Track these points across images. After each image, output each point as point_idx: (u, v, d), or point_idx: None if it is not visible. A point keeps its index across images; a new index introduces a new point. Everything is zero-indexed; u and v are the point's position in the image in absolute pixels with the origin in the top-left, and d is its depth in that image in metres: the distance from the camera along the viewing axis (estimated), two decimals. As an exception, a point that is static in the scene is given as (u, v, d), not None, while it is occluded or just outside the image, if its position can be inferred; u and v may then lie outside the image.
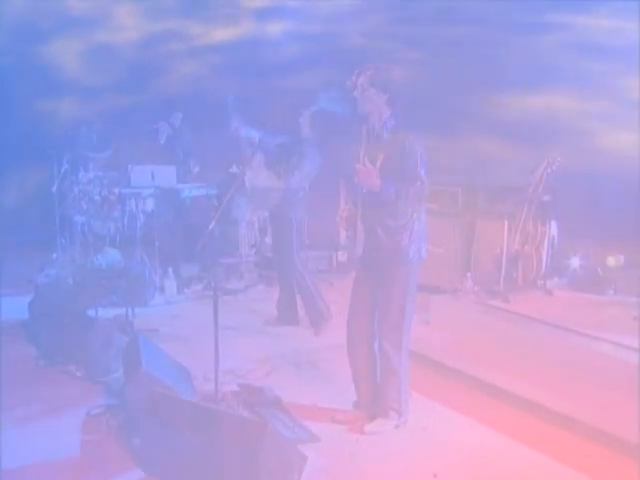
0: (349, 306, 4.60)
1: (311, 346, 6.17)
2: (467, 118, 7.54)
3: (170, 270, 7.81)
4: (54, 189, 7.94)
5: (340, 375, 5.34)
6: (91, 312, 6.43)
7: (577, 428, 4.42)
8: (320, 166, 6.39)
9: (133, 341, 4.85)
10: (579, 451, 4.22)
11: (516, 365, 5.03)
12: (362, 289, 4.50)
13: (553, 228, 6.30)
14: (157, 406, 3.86)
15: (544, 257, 6.08)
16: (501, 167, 7.36)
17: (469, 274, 5.93)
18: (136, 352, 4.54)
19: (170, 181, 7.90)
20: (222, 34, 10.62)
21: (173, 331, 6.58)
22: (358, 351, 4.56)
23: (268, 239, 8.00)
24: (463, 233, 7.28)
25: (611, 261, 6.26)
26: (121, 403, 4.62)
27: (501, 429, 4.53)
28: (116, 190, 7.67)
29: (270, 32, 10.22)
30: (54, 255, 8.15)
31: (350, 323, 4.57)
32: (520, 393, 4.86)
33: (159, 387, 4.10)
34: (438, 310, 5.84)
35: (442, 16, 8.32)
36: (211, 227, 4.17)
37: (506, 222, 6.02)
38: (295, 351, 6.03)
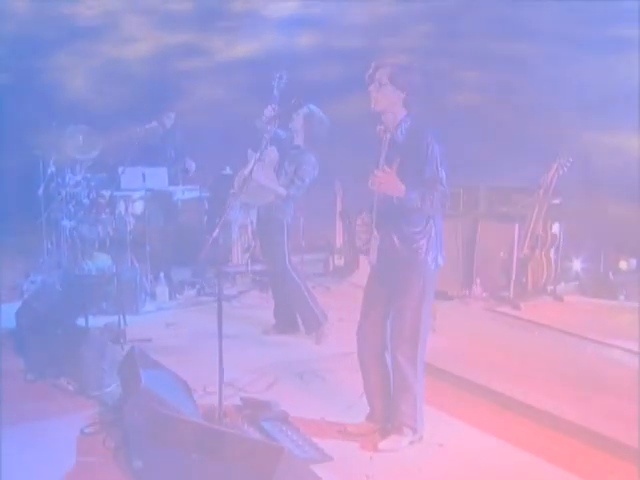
0: (360, 316, 4.34)
1: (313, 355, 5.90)
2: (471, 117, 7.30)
3: (162, 275, 7.53)
4: (40, 192, 7.63)
5: (347, 386, 5.13)
6: (81, 321, 6.20)
7: (597, 442, 4.20)
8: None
9: (130, 354, 4.56)
10: (600, 466, 3.99)
11: (530, 375, 4.86)
12: (375, 298, 4.25)
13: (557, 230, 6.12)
14: (160, 426, 3.59)
15: (554, 262, 5.89)
16: (506, 168, 7.12)
17: (478, 280, 5.70)
18: (133, 366, 4.26)
19: (162, 183, 7.61)
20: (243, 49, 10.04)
21: (167, 340, 6.30)
22: (369, 364, 4.30)
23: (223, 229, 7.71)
24: (466, 236, 7.05)
25: (623, 265, 6.07)
26: (118, 420, 4.34)
27: (520, 443, 4.28)
28: (105, 193, 7.37)
29: (298, 45, 9.63)
30: (40, 260, 7.84)
31: (361, 334, 4.32)
32: (536, 405, 4.62)
33: (161, 405, 3.82)
34: (445, 317, 5.61)
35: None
36: (215, 234, 3.89)
37: (517, 225, 5.79)
38: (297, 361, 5.75)
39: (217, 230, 3.89)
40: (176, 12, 10.39)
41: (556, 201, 5.89)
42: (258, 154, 5.50)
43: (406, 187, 3.85)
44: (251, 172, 4.57)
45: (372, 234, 4.15)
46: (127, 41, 10.27)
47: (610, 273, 5.96)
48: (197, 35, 10.20)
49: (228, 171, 8.11)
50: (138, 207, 7.68)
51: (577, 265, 6.14)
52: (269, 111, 5.80)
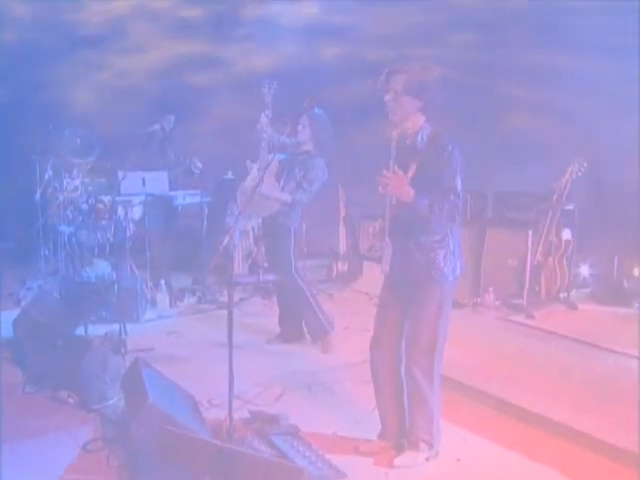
0: (374, 327, 4.17)
1: (320, 366, 5.73)
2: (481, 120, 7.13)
3: (162, 282, 7.35)
4: (37, 197, 7.45)
5: (357, 398, 4.98)
6: (80, 329, 6.03)
7: (617, 455, 4.05)
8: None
9: (133, 366, 4.39)
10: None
11: (547, 387, 4.71)
12: (389, 309, 4.08)
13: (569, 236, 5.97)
14: (169, 445, 3.42)
15: (567, 269, 5.74)
16: (512, 172, 6.97)
17: (491, 288, 5.54)
18: (139, 380, 4.09)
19: (162, 188, 7.43)
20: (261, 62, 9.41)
21: (170, 350, 6.12)
22: (383, 377, 4.13)
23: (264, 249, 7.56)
24: (474, 242, 6.90)
25: (637, 272, 5.91)
26: (122, 437, 4.17)
27: (538, 457, 4.14)
28: (105, 198, 7.20)
29: (323, 55, 9.19)
30: (37, 267, 7.66)
31: (374, 346, 4.15)
32: (554, 417, 4.47)
33: (169, 422, 3.65)
34: (458, 326, 5.39)
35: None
36: (225, 242, 3.72)
37: (529, 232, 5.62)
38: (304, 372, 5.58)
39: (227, 238, 3.72)
40: (187, 19, 9.92)
41: (569, 207, 5.73)
42: (257, 164, 5.37)
43: (417, 193, 3.68)
44: (256, 187, 4.39)
45: (385, 242, 3.98)
46: (135, 51, 9.78)
47: (624, 280, 5.81)
48: (211, 45, 9.68)
49: (230, 176, 7.94)
50: (137, 212, 7.50)
51: (589, 272, 5.98)
52: (263, 118, 5.72)
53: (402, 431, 4.15)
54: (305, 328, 6.14)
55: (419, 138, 3.84)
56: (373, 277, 8.11)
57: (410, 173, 3.73)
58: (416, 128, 3.85)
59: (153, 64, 9.81)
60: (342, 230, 8.33)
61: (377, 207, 8.27)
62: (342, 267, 8.35)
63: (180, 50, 9.81)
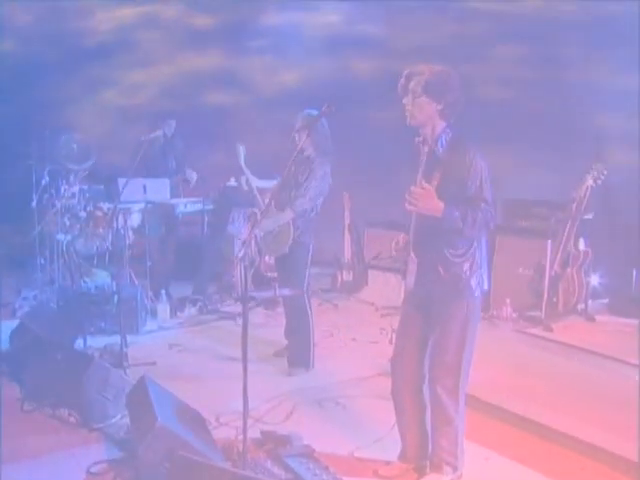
0: (395, 344, 3.96)
1: (329, 380, 5.52)
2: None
3: (163, 292, 7.13)
4: (34, 204, 7.22)
5: (371, 415, 4.79)
6: (79, 342, 5.82)
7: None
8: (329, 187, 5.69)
9: (140, 384, 4.17)
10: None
11: (571, 403, 4.52)
12: (411, 326, 3.87)
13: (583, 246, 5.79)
14: (181, 471, 3.20)
15: (585, 280, 5.56)
16: (523, 180, 6.77)
17: (508, 300, 5.34)
18: (145, 399, 3.88)
19: (163, 195, 7.22)
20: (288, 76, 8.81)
21: (172, 363, 5.89)
22: (405, 397, 3.92)
23: (268, 258, 7.35)
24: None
25: (656, 282, 5.74)
26: (128, 459, 3.95)
27: (564, 478, 3.97)
28: (104, 205, 6.98)
29: (356, 70, 8.65)
30: (34, 276, 7.42)
31: (396, 364, 3.93)
32: (580, 436, 4.27)
33: (180, 445, 3.44)
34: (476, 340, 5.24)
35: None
36: (241, 254, 3.51)
37: (550, 241, 5.43)
38: (313, 387, 5.37)
39: (242, 251, 3.50)
40: (199, 28, 9.28)
41: (588, 216, 5.55)
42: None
43: (446, 205, 3.48)
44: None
45: (409, 256, 3.78)
46: (144, 65, 9.16)
47: (644, 291, 5.65)
48: (227, 57, 8.97)
49: (233, 182, 7.72)
50: (135, 220, 7.29)
51: (600, 282, 5.79)
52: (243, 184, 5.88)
53: (424, 452, 3.95)
54: (291, 352, 5.82)
55: (439, 145, 3.65)
56: (378, 287, 8.05)
57: (434, 183, 3.53)
58: (436, 134, 3.66)
59: (164, 79, 9.27)
60: (347, 238, 8.13)
61: (383, 215, 8.20)
62: (347, 276, 8.15)
63: (194, 64, 9.24)
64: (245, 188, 5.89)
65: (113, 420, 4.60)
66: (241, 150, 5.81)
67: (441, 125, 3.64)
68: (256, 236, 7.63)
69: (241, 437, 4.28)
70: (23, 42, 9.39)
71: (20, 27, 9.49)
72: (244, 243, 3.58)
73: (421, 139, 3.74)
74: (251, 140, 6.07)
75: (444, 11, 7.94)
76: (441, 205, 3.46)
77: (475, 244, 3.66)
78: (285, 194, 5.52)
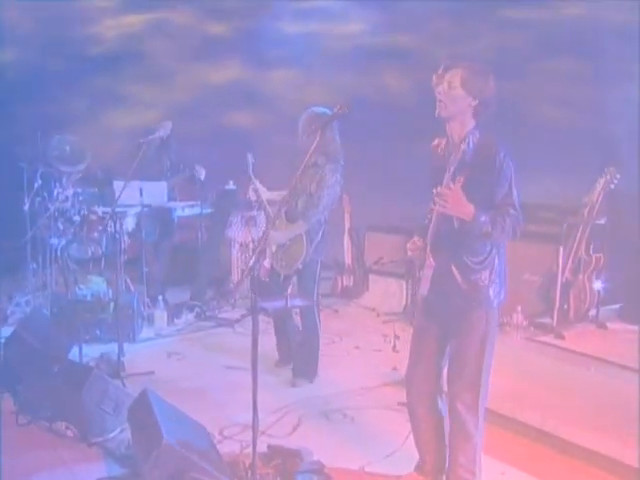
0: (410, 357, 3.78)
1: (335, 390, 5.36)
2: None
3: (160, 298, 6.95)
4: (26, 207, 7.01)
5: (380, 427, 4.66)
6: (74, 351, 5.61)
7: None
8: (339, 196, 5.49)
9: (142, 398, 3.98)
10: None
11: (589, 416, 4.35)
12: (427, 337, 3.69)
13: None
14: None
15: (596, 287, 5.42)
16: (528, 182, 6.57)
17: (519, 307, 5.19)
18: (149, 414, 3.70)
19: (160, 198, 7.02)
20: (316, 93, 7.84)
21: (171, 373, 5.71)
22: (421, 412, 3.75)
23: (267, 262, 7.16)
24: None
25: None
26: (130, 476, 3.77)
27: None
28: (98, 209, 6.79)
29: (389, 86, 8.06)
30: (26, 282, 7.22)
31: (411, 378, 3.76)
32: (599, 449, 4.12)
33: (186, 464, 3.27)
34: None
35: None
36: (251, 264, 3.33)
37: (561, 247, 5.28)
38: (319, 397, 5.21)
39: (253, 259, 3.33)
40: (214, 37, 8.54)
41: (600, 221, 5.40)
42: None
43: (476, 209, 3.32)
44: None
45: (426, 261, 3.61)
46: (154, 79, 8.37)
47: (657, 297, 5.51)
48: (245, 69, 8.21)
49: (231, 186, 7.55)
50: (130, 224, 7.09)
51: (613, 288, 5.65)
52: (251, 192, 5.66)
53: (442, 466, 3.78)
54: (297, 362, 5.62)
55: (465, 145, 3.47)
56: (379, 292, 7.91)
57: (458, 185, 3.35)
58: (464, 132, 3.48)
59: (177, 96, 8.55)
60: (347, 242, 7.97)
61: (384, 218, 8.03)
62: (347, 281, 7.99)
63: (210, 78, 8.60)
64: (253, 198, 5.68)
65: (112, 434, 4.41)
66: (249, 159, 5.59)
67: (471, 123, 3.47)
68: (253, 240, 7.56)
69: (247, 451, 4.18)
70: (22, 50, 8.98)
71: (20, 34, 9.08)
72: (255, 252, 3.40)
73: (445, 139, 3.57)
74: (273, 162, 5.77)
75: (479, 20, 7.46)
76: (471, 208, 3.29)
77: (495, 250, 3.50)
78: (295, 203, 5.31)
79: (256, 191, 5.51)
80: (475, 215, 3.28)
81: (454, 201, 3.28)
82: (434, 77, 3.46)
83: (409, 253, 3.66)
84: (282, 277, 5.37)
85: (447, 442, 3.72)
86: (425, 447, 3.82)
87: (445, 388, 3.69)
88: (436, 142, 3.66)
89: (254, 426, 3.46)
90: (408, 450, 4.02)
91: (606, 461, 4.06)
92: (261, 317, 7.15)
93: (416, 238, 3.67)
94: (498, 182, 3.37)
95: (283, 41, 8.51)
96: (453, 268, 3.49)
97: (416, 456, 3.90)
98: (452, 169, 3.46)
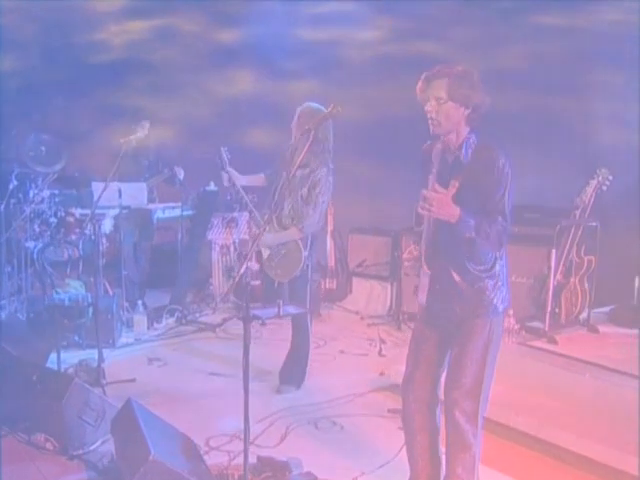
0: (407, 366, 3.64)
1: (322, 397, 5.21)
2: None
3: (140, 302, 6.77)
4: (1, 209, 6.80)
5: (372, 437, 4.53)
6: (52, 358, 5.42)
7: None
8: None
9: (126, 409, 3.82)
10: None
11: (585, 423, 4.25)
12: (425, 345, 3.55)
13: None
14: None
15: (588, 290, 5.34)
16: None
17: (511, 311, 5.08)
18: (134, 427, 3.53)
19: (140, 200, 6.84)
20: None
21: (153, 380, 5.54)
22: (418, 422, 3.61)
23: (252, 264, 7.00)
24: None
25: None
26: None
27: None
28: (76, 211, 6.60)
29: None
30: (1, 287, 7.00)
31: (408, 385, 3.62)
32: (596, 457, 4.02)
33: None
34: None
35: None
36: (243, 270, 3.19)
37: (554, 250, 5.19)
38: (306, 405, 5.06)
39: (244, 266, 3.18)
40: (225, 45, 7.84)
41: (594, 223, 5.32)
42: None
43: (463, 212, 3.18)
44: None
45: (421, 270, 3.48)
46: (162, 93, 7.67)
47: (646, 300, 5.45)
48: (261, 82, 7.47)
49: (212, 187, 7.38)
50: (107, 226, 6.90)
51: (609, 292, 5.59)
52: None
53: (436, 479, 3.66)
54: (286, 368, 5.43)
55: (463, 151, 3.34)
56: (363, 295, 7.79)
57: (452, 190, 3.22)
58: (460, 140, 3.35)
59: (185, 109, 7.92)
60: (330, 244, 7.82)
61: (367, 220, 7.90)
62: (330, 284, 7.84)
63: (224, 92, 7.98)
64: (227, 184, 5.44)
65: (93, 446, 4.24)
66: (224, 154, 5.37)
67: (465, 130, 3.34)
68: (234, 242, 7.39)
69: (235, 463, 4.04)
70: (24, 58, 8.57)
71: (21, 41, 8.70)
72: (244, 257, 3.26)
73: (439, 146, 3.44)
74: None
75: (511, 27, 6.97)
76: (457, 210, 3.15)
77: (498, 257, 3.38)
78: (286, 207, 5.14)
79: (229, 179, 5.29)
80: (461, 217, 3.15)
81: (439, 204, 3.15)
82: (417, 91, 3.30)
83: (405, 263, 3.53)
84: (276, 283, 5.18)
85: (444, 452, 3.59)
86: (420, 459, 3.67)
87: (442, 396, 3.57)
88: (427, 145, 3.53)
89: (245, 438, 3.32)
90: (402, 461, 3.88)
91: (604, 469, 3.97)
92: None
93: (413, 247, 3.54)
94: (494, 189, 3.24)
95: (299, 49, 7.97)
96: (454, 275, 3.37)
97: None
98: (443, 173, 3.32)
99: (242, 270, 3.18)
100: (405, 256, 3.54)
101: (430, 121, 3.30)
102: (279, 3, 7.98)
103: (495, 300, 3.36)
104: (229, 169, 5.28)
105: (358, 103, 7.11)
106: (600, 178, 5.08)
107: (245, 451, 3.35)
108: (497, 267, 3.36)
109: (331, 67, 7.90)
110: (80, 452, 4.19)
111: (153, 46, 8.06)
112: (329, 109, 3.54)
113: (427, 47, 7.23)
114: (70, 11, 8.60)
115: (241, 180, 5.44)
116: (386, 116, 7.27)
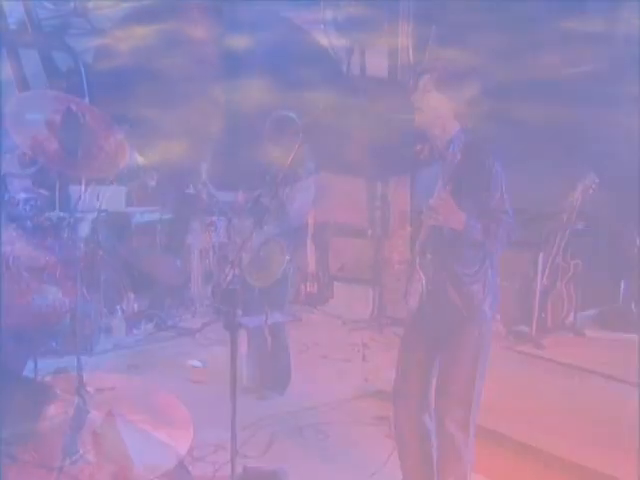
0: (397, 373, 3.57)
1: (306, 403, 5.13)
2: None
3: (118, 308, 6.64)
4: (-24, 213, 6.63)
5: (358, 444, 4.47)
6: (29, 366, 5.28)
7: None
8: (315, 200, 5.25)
9: (108, 422, 3.71)
10: None
11: (574, 428, 4.24)
12: (416, 352, 3.49)
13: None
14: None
15: (575, 294, 5.31)
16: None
17: (498, 316, 5.04)
18: (117, 441, 3.43)
19: (119, 204, 6.72)
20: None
21: (133, 388, 5.39)
22: (408, 431, 3.54)
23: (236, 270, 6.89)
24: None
25: (646, 294, 5.54)
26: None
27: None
28: (53, 214, 6.44)
29: None
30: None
31: (399, 393, 3.56)
32: (586, 463, 4.01)
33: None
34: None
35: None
36: (230, 277, 3.10)
37: (541, 254, 5.15)
38: (290, 412, 4.98)
39: (232, 272, 3.09)
40: (236, 52, 7.16)
41: (580, 226, 5.30)
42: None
43: (467, 217, 3.14)
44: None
45: (414, 275, 3.41)
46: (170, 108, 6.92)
47: (632, 304, 5.42)
48: (277, 92, 6.62)
49: (191, 190, 7.26)
50: (86, 230, 6.76)
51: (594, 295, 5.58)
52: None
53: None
54: (267, 374, 5.37)
55: (450, 149, 3.28)
56: (345, 299, 7.71)
57: (447, 194, 3.16)
58: (446, 137, 3.29)
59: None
60: (311, 248, 7.74)
61: (349, 222, 7.81)
62: (311, 288, 7.76)
63: (232, 100, 7.34)
64: (204, 198, 5.39)
65: (74, 457, 4.11)
66: (203, 169, 5.28)
67: (454, 128, 3.28)
68: (214, 246, 7.29)
69: (220, 474, 3.94)
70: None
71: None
72: (231, 264, 3.17)
73: (428, 146, 3.38)
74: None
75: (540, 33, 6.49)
76: (463, 216, 3.11)
77: (488, 262, 3.32)
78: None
79: (208, 193, 5.21)
80: (466, 223, 3.10)
81: (446, 212, 3.10)
82: (409, 85, 3.28)
83: (396, 266, 3.47)
84: (257, 290, 5.07)
85: (435, 462, 3.53)
86: (412, 467, 3.62)
87: (433, 404, 3.50)
88: (419, 147, 3.47)
89: (232, 450, 3.23)
90: (392, 469, 3.81)
91: (594, 475, 3.95)
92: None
93: (403, 249, 3.48)
94: (489, 187, 3.20)
95: (314, 57, 7.45)
96: (445, 281, 3.32)
97: (398, 476, 3.70)
98: (441, 177, 3.27)
99: (229, 278, 3.08)
100: (398, 259, 3.48)
101: (415, 111, 3.26)
102: (293, 8, 7.62)
103: (484, 306, 3.31)
104: (209, 185, 5.23)
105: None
106: (587, 182, 5.06)
107: (232, 465, 3.25)
108: (486, 271, 3.31)
109: (346, 76, 7.67)
110: (61, 464, 4.07)
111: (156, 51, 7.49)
112: (309, 119, 3.48)
113: (452, 53, 6.52)
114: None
115: (221, 195, 5.39)
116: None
